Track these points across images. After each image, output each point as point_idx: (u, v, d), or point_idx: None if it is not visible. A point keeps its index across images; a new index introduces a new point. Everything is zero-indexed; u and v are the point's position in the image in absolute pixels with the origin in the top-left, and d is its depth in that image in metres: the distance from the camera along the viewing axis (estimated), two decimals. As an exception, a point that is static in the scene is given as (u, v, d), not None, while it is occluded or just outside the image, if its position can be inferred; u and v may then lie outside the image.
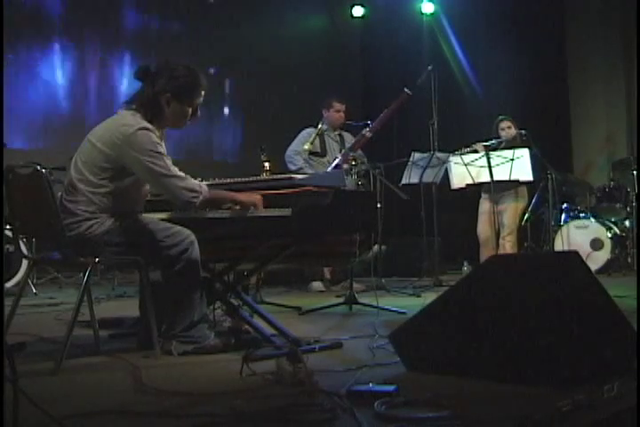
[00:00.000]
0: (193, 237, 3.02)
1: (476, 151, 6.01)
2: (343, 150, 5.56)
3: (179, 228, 3.04)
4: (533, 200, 6.83)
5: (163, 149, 3.00)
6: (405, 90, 5.45)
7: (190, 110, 3.15)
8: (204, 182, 3.40)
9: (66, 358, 2.73)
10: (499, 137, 6.20)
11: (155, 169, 2.93)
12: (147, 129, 2.96)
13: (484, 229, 6.25)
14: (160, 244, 2.98)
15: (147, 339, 3.03)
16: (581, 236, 6.95)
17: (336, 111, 5.99)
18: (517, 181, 5.92)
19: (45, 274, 6.60)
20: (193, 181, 3.01)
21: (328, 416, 1.95)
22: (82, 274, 3.08)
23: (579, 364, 2.23)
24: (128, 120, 2.99)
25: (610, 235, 6.89)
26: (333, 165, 5.39)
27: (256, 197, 3.05)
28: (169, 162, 2.99)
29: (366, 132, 5.38)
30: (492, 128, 6.33)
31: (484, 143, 6.04)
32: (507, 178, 5.81)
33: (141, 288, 3.28)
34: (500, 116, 6.35)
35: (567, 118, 8.75)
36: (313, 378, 2.33)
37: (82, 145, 3.08)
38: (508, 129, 6.25)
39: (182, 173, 3.00)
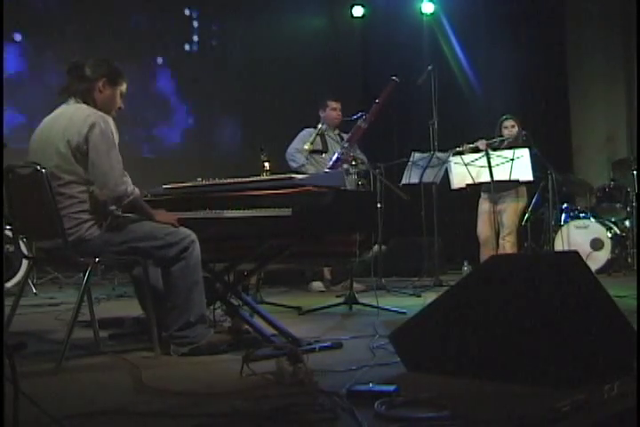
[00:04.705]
0: (194, 236, 3.02)
1: (477, 149, 6.01)
2: (342, 143, 5.57)
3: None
4: (533, 200, 6.83)
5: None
6: (393, 77, 5.45)
7: (118, 96, 3.17)
8: (204, 182, 3.41)
9: (66, 358, 2.73)
10: (501, 136, 6.21)
11: (103, 159, 2.92)
12: (104, 118, 2.99)
13: (483, 229, 6.25)
14: (160, 242, 2.98)
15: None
16: (581, 236, 6.94)
17: (332, 110, 5.99)
18: (517, 180, 5.91)
19: (45, 274, 6.60)
20: (129, 181, 3.01)
21: (328, 416, 1.95)
22: (82, 274, 3.08)
23: (579, 364, 2.23)
24: (87, 110, 3.00)
25: (610, 235, 6.89)
26: (334, 158, 5.37)
27: (172, 217, 3.09)
28: (119, 154, 3.00)
29: (361, 123, 5.37)
30: (496, 127, 6.32)
31: (487, 141, 6.04)
32: (507, 178, 5.80)
33: (136, 287, 3.30)
34: (504, 116, 6.35)
35: (567, 118, 8.75)
36: (313, 378, 2.33)
37: (38, 154, 3.00)
38: (511, 128, 6.25)
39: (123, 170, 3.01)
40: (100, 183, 2.94)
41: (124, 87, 3.19)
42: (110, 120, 3.03)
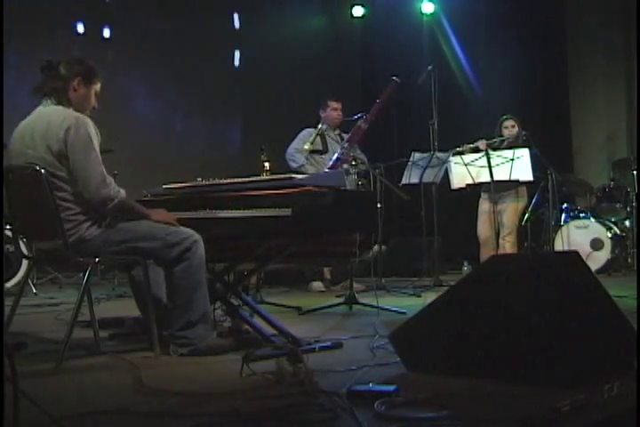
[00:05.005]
0: (197, 236, 3.00)
1: (477, 149, 6.01)
2: (342, 143, 5.57)
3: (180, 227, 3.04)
4: (533, 200, 6.83)
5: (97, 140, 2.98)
6: (394, 78, 5.45)
7: (93, 95, 3.12)
8: (204, 182, 3.40)
9: (66, 358, 2.73)
10: (501, 136, 6.21)
11: (82, 162, 2.88)
12: (81, 120, 2.94)
13: (483, 229, 6.26)
14: (160, 242, 2.96)
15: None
16: (581, 236, 6.94)
17: (333, 110, 6.00)
18: (517, 180, 5.92)
19: (45, 274, 6.60)
20: (114, 183, 2.96)
21: (328, 416, 1.95)
22: (82, 274, 3.08)
23: (579, 364, 2.23)
24: (62, 113, 2.96)
25: (610, 235, 6.89)
26: (334, 158, 5.38)
27: (170, 216, 3.08)
28: (99, 157, 2.96)
29: (361, 123, 5.38)
30: (496, 127, 6.33)
31: (487, 141, 6.04)
32: (507, 178, 5.81)
33: (133, 288, 3.28)
34: (504, 116, 6.36)
35: (567, 118, 8.75)
36: (313, 378, 2.33)
37: (21, 161, 2.95)
38: (511, 128, 6.26)
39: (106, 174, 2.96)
40: (83, 186, 2.91)
41: (98, 86, 3.13)
42: (89, 121, 2.98)
